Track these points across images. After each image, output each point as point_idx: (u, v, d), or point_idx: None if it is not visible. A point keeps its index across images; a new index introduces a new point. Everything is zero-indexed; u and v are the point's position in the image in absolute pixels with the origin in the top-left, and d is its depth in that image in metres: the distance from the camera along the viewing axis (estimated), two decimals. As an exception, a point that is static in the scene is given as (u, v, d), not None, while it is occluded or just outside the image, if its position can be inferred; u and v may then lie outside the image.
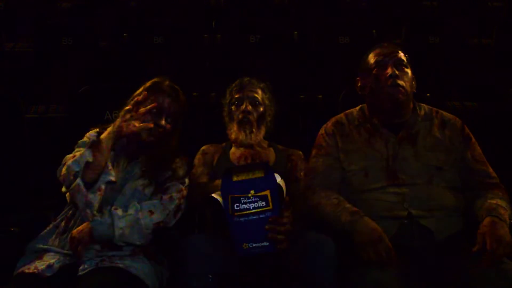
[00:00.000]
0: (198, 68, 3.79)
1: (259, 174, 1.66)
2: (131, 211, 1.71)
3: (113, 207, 1.71)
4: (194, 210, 1.94)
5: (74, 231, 1.67)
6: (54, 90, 3.59)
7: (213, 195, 1.70)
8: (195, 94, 3.09)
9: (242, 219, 1.63)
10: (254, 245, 1.63)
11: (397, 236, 1.69)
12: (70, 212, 1.78)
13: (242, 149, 2.03)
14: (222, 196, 1.65)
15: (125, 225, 1.67)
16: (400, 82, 1.81)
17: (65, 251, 1.69)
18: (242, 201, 1.63)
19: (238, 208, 1.63)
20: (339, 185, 1.83)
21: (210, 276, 1.56)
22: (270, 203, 1.64)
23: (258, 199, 1.64)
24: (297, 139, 2.28)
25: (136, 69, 3.65)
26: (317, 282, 1.56)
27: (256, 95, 2.07)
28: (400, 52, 1.87)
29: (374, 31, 3.92)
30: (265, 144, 2.10)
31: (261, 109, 2.06)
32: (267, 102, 2.10)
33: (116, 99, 2.24)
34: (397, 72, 1.81)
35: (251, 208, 1.63)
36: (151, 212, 1.73)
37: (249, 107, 2.04)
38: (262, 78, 2.13)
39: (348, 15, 4.42)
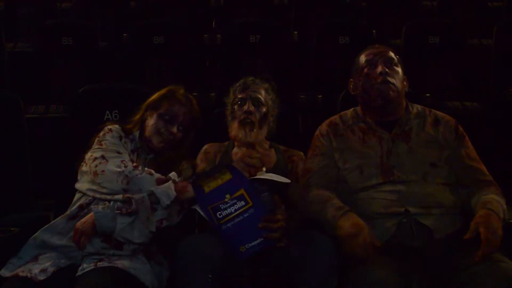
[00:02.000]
0: (198, 68, 3.79)
1: (227, 177, 1.68)
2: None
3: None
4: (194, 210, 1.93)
5: (78, 223, 1.68)
6: (54, 90, 3.60)
7: (194, 207, 1.71)
8: (195, 94, 3.10)
9: (229, 224, 1.65)
10: (250, 245, 1.63)
11: (396, 235, 1.69)
12: (87, 200, 1.77)
13: (244, 149, 2.03)
14: (202, 210, 1.67)
15: (127, 220, 1.68)
16: (391, 80, 1.83)
17: (64, 242, 1.69)
18: (222, 207, 1.66)
19: (221, 215, 1.65)
20: (335, 184, 1.84)
21: (210, 276, 1.56)
22: (249, 200, 1.66)
23: (236, 201, 1.66)
24: (297, 139, 2.28)
25: (136, 69, 3.66)
26: (317, 282, 1.55)
27: (259, 96, 2.06)
28: (390, 51, 1.90)
29: (374, 31, 3.92)
30: (266, 145, 2.10)
31: (264, 109, 2.06)
32: (270, 103, 2.09)
33: (116, 99, 2.24)
34: (387, 70, 1.84)
35: (233, 211, 1.65)
36: (155, 210, 1.73)
37: (252, 108, 2.03)
38: (266, 78, 2.13)
39: (348, 15, 4.42)
